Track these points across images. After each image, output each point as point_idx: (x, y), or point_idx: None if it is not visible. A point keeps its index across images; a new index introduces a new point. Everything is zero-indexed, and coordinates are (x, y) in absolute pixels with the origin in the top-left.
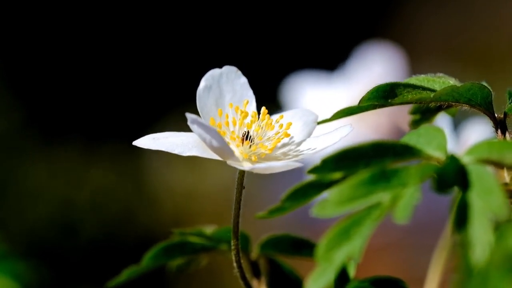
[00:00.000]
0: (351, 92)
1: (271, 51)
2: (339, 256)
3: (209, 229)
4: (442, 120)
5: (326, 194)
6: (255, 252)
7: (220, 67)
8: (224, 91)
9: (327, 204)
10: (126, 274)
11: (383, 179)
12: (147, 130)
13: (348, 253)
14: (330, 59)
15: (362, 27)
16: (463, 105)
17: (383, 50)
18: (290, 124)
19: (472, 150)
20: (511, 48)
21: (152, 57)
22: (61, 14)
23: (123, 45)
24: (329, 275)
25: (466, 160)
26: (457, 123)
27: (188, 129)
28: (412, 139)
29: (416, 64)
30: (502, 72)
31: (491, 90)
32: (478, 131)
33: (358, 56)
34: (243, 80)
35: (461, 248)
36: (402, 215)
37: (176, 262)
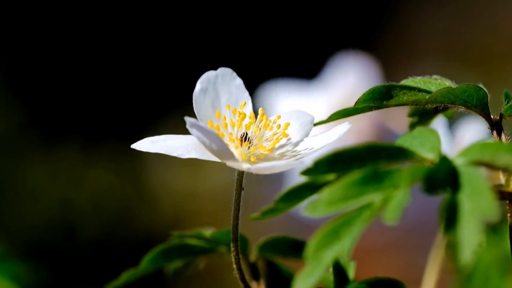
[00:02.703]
0: (326, 101)
1: (251, 56)
2: (328, 256)
3: (207, 231)
4: (438, 120)
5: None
6: (253, 254)
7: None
8: (220, 93)
9: (319, 204)
10: (124, 277)
11: (375, 180)
12: (146, 131)
13: (337, 253)
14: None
15: (361, 28)
16: (459, 106)
17: (359, 59)
18: (288, 124)
19: (465, 152)
20: (510, 49)
21: (151, 58)
22: (61, 14)
23: (123, 46)
24: (318, 274)
25: (458, 162)
26: (452, 123)
27: (187, 131)
28: (407, 141)
29: (415, 64)
30: (501, 73)
31: (486, 91)
32: (472, 130)
33: (334, 65)
34: (239, 81)
35: (450, 249)
36: (391, 216)
37: (174, 265)
